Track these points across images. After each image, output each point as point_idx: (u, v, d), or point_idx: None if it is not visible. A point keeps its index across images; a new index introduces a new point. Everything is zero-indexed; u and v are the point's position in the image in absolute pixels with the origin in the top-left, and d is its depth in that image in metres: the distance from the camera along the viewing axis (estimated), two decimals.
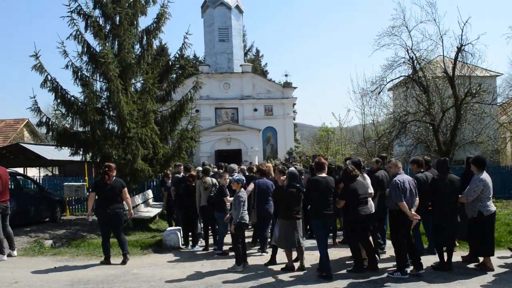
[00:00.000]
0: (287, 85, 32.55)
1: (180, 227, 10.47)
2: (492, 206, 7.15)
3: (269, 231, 9.24)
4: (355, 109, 49.44)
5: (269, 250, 8.59)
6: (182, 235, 10.26)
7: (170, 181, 12.01)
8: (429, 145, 17.65)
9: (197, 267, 8.20)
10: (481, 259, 7.40)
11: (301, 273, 7.53)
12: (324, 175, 7.56)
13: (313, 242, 8.42)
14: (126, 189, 8.80)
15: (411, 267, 7.23)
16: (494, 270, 7.12)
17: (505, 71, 60.72)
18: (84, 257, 9.20)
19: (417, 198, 7.20)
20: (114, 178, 8.70)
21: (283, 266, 7.75)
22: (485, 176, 7.15)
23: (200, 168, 11.72)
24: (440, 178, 7.39)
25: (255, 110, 31.58)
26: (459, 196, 7.29)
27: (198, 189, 9.78)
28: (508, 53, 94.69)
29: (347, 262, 8.13)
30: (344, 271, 7.51)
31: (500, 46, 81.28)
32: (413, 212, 6.94)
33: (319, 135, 33.93)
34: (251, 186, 9.11)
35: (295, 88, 32.69)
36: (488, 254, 7.18)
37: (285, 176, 7.82)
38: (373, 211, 7.84)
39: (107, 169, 8.62)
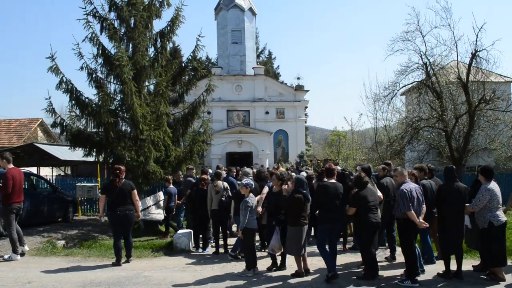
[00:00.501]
0: (299, 88, 32.57)
1: (191, 230, 10.52)
2: (502, 216, 7.07)
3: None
4: (367, 113, 49.07)
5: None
6: (193, 238, 10.31)
7: (171, 185, 11.87)
8: (442, 151, 17.47)
9: (208, 270, 8.24)
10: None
11: (309, 278, 7.54)
12: (333, 180, 7.66)
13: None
14: (135, 191, 8.98)
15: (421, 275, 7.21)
16: (505, 280, 7.05)
17: None
18: (96, 258, 9.30)
19: (424, 206, 7.22)
20: (123, 180, 8.85)
21: (293, 272, 7.73)
22: (493, 185, 7.10)
23: (210, 171, 11.78)
24: (447, 186, 7.37)
25: (267, 113, 31.64)
26: (466, 205, 7.26)
27: (210, 192, 9.83)
28: None
29: (353, 269, 8.10)
30: (353, 277, 7.50)
31: None
32: (421, 220, 6.94)
33: (331, 139, 33.84)
34: (266, 189, 9.11)
35: (307, 91, 32.70)
36: (500, 264, 7.11)
37: (281, 182, 7.96)
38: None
39: (117, 171, 8.79)
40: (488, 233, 7.02)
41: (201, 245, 10.17)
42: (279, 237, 7.84)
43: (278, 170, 11.16)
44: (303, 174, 12.48)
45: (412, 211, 6.84)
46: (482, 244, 7.22)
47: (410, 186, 7.12)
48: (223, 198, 9.70)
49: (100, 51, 12.70)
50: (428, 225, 7.15)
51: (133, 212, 8.86)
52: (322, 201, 7.51)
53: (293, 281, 7.38)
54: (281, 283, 7.29)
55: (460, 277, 7.17)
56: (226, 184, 10.05)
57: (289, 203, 7.52)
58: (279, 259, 8.20)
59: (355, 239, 9.51)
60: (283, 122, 32.04)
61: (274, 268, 8.09)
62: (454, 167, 7.92)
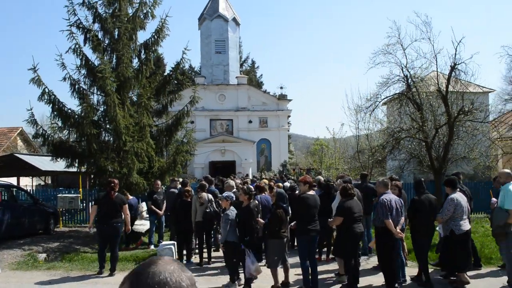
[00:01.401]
0: (282, 97, 32.79)
1: (175, 242, 10.49)
2: (464, 226, 7.36)
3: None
4: (349, 123, 49.55)
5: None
6: (177, 250, 10.28)
7: (130, 197, 11.64)
8: (422, 160, 17.76)
9: None
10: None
11: None
12: (312, 192, 7.81)
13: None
14: (126, 205, 9.22)
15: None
16: (469, 283, 7.38)
17: (498, 86, 61.45)
18: (79, 272, 9.20)
19: (403, 217, 7.39)
20: (117, 194, 8.98)
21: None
22: (458, 196, 7.43)
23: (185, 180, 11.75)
24: (418, 198, 7.69)
25: (250, 122, 31.75)
26: (438, 215, 7.58)
27: (194, 204, 9.83)
28: (501, 69, 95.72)
29: (331, 278, 8.19)
30: (338, 286, 7.61)
31: (493, 64, 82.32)
32: (398, 230, 7.13)
33: (313, 149, 34.08)
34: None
35: (290, 100, 32.92)
36: (462, 270, 7.48)
37: (249, 197, 7.80)
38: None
39: (112, 184, 9.01)
40: (450, 240, 7.38)
41: (185, 257, 10.14)
42: (254, 259, 7.59)
43: (261, 181, 11.25)
44: (287, 184, 12.60)
45: (390, 220, 7.02)
46: (445, 251, 7.57)
47: (390, 196, 7.33)
48: (207, 210, 9.71)
49: (84, 62, 12.65)
50: (403, 235, 7.34)
51: (122, 225, 9.09)
52: (302, 213, 7.63)
53: None
54: None
55: (429, 285, 7.43)
56: (210, 196, 10.07)
57: (270, 217, 7.59)
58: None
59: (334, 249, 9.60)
60: (266, 131, 32.17)
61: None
62: (422, 179, 8.27)
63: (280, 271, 7.79)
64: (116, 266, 9.04)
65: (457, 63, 15.12)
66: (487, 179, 20.33)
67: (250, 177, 22.42)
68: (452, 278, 7.75)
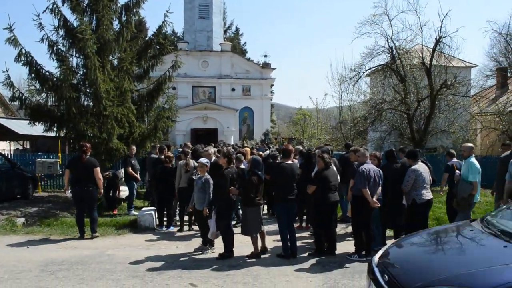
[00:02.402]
0: (266, 65, 32.55)
1: (155, 208, 10.47)
2: (426, 195, 7.59)
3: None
4: (332, 94, 49.61)
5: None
6: (157, 216, 10.28)
7: None
8: (403, 133, 17.98)
9: (172, 248, 8.27)
10: None
11: (267, 255, 7.72)
12: (290, 161, 7.83)
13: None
14: (98, 168, 9.14)
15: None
16: None
17: (480, 62, 62.00)
18: (58, 237, 9.14)
19: (380, 188, 7.54)
20: (87, 157, 8.96)
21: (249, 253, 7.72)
22: (418, 166, 7.66)
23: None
24: (388, 166, 7.96)
25: (233, 89, 31.53)
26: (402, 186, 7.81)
27: (179, 170, 9.73)
28: (483, 44, 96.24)
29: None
30: (305, 254, 7.75)
31: (477, 38, 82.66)
32: (374, 200, 7.28)
33: (296, 118, 34.15)
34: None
35: (273, 69, 32.71)
36: None
37: (226, 160, 7.83)
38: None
39: (84, 148, 9.00)
40: (411, 210, 7.64)
41: (165, 223, 10.16)
42: (214, 224, 7.70)
43: (243, 149, 11.24)
44: (268, 152, 12.62)
45: (367, 189, 7.18)
46: (407, 220, 7.79)
47: (369, 166, 7.47)
48: (193, 177, 9.57)
49: (62, 23, 12.19)
50: (379, 205, 7.47)
51: (94, 189, 9.03)
52: (279, 181, 7.71)
53: (252, 260, 7.47)
54: (241, 261, 7.39)
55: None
56: (195, 163, 9.98)
57: (245, 184, 7.59)
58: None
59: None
60: (249, 99, 32.04)
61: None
62: (394, 149, 8.61)
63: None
64: (95, 228, 9.13)
65: (442, 36, 15.18)
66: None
67: (232, 144, 22.38)
68: None
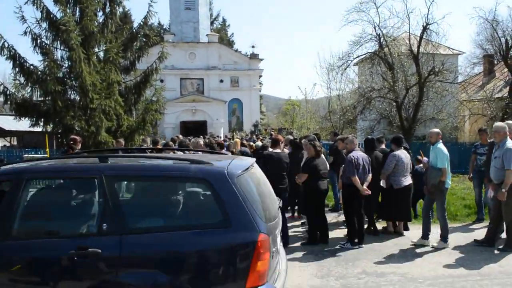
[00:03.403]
0: (254, 56, 32.39)
1: None
2: (404, 181, 7.78)
3: None
4: (321, 83, 49.55)
5: None
6: None
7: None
8: (392, 121, 18.04)
9: None
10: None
11: None
12: (278, 150, 7.83)
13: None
14: None
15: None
16: (393, 233, 8.11)
17: (467, 50, 62.44)
18: None
19: (370, 175, 7.55)
20: (77, 151, 8.69)
21: None
22: (400, 152, 7.81)
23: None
24: (368, 155, 7.92)
25: (221, 81, 31.36)
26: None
27: None
28: (470, 32, 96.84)
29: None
30: (298, 244, 7.74)
31: (464, 25, 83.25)
32: (364, 187, 7.29)
33: (285, 109, 34.15)
34: None
35: (261, 60, 32.57)
36: (399, 220, 8.19)
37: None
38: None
39: (72, 142, 8.77)
40: (389, 193, 7.89)
41: None
42: None
43: (233, 140, 11.19)
44: (259, 143, 12.57)
45: (356, 177, 7.15)
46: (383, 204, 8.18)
47: (358, 154, 7.43)
48: None
49: (45, 15, 12.00)
50: (370, 192, 7.49)
51: None
52: (267, 169, 7.66)
53: None
54: None
55: (377, 233, 8.02)
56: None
57: None
58: None
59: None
60: (238, 90, 31.90)
61: None
62: (374, 138, 8.81)
63: None
64: None
65: (429, 23, 15.20)
66: (454, 140, 20.91)
67: (222, 137, 22.31)
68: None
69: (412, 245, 7.39)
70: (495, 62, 27.57)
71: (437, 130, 7.77)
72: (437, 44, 16.67)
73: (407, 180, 7.88)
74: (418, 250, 7.19)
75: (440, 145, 7.28)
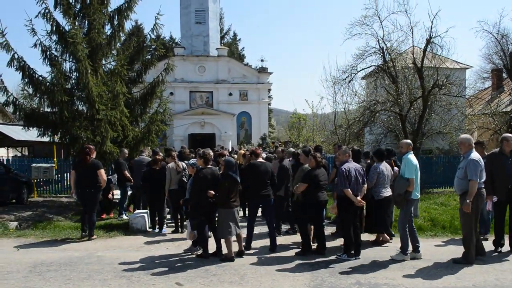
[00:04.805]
0: (263, 70, 32.58)
1: (148, 210, 10.48)
2: (384, 193, 8.08)
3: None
4: (327, 97, 49.52)
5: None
6: (150, 218, 10.28)
7: None
8: (398, 134, 18.00)
9: (162, 250, 8.30)
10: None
11: (254, 256, 7.71)
12: (261, 160, 8.33)
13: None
14: (103, 170, 9.36)
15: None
16: (391, 242, 8.42)
17: (476, 64, 62.06)
18: (50, 239, 9.17)
19: (365, 185, 7.63)
20: (92, 159, 9.26)
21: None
22: (382, 166, 8.16)
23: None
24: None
25: (230, 94, 31.54)
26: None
27: (169, 172, 9.74)
28: (480, 46, 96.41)
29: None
30: (292, 254, 7.77)
31: (470, 39, 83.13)
32: (358, 199, 7.32)
33: (291, 122, 34.21)
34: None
35: (270, 73, 32.75)
36: (380, 231, 8.46)
37: (203, 161, 7.73)
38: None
39: (87, 150, 9.25)
40: (370, 205, 8.23)
41: (157, 227, 10.16)
42: (189, 225, 7.71)
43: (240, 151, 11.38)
44: (264, 155, 12.67)
45: (349, 189, 7.20)
46: (366, 214, 8.54)
47: (350, 165, 7.48)
48: (184, 179, 9.57)
49: (54, 28, 12.33)
50: (364, 203, 7.55)
51: (96, 192, 9.23)
52: (251, 179, 8.05)
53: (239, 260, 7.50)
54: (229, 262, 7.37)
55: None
56: (184, 165, 10.01)
57: (218, 187, 7.49)
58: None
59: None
60: (247, 104, 32.03)
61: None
62: (359, 149, 9.09)
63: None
64: (92, 231, 9.24)
65: (432, 36, 15.24)
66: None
67: (229, 149, 22.35)
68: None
69: (390, 259, 7.37)
70: (504, 76, 27.47)
71: (408, 140, 8.06)
72: (444, 58, 16.69)
73: (387, 192, 8.13)
74: (413, 262, 7.19)
75: (410, 156, 7.41)
